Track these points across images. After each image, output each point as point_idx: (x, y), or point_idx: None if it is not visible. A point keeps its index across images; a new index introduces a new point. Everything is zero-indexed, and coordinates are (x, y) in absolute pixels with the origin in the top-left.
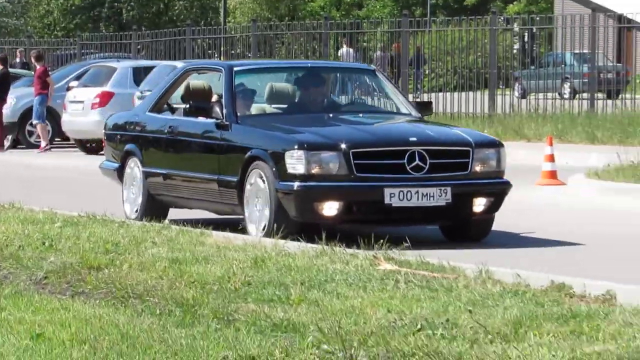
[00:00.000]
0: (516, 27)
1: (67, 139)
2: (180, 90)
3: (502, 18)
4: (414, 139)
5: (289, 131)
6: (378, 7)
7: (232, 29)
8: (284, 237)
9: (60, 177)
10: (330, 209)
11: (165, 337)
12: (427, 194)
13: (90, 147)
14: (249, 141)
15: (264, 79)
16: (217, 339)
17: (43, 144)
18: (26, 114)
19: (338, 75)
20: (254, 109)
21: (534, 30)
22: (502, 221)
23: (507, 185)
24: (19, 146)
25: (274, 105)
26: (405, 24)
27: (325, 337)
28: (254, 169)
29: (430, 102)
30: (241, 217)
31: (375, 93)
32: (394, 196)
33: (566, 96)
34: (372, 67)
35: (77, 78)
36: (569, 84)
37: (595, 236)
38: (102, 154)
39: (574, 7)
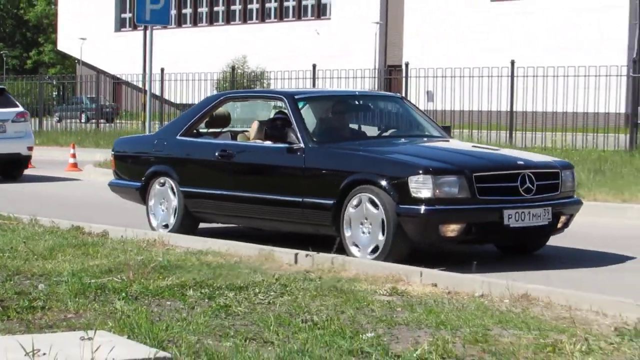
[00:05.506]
0: (55, 82)
1: None
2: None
3: (47, 76)
4: (522, 162)
5: (402, 156)
6: None
7: None
8: (398, 260)
9: None
10: (453, 230)
11: None
12: (536, 214)
13: None
14: (344, 166)
15: (319, 107)
16: None
17: None
18: None
19: (379, 102)
20: (322, 134)
21: (66, 84)
22: None
23: (580, 204)
24: None
25: (328, 130)
26: None
27: None
28: (358, 192)
29: (450, 126)
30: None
31: (407, 117)
32: (511, 217)
33: (83, 121)
34: (400, 94)
35: None
36: (85, 114)
37: None
38: None
39: (87, 71)
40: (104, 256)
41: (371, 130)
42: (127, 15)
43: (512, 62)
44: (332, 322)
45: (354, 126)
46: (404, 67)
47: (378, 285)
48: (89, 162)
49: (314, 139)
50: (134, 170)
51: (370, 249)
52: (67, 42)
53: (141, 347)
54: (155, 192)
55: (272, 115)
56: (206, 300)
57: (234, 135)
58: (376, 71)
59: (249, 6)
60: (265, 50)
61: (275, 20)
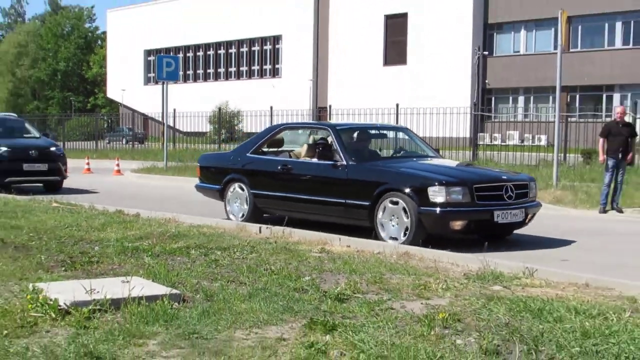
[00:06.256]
0: (105, 118)
1: None
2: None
3: (100, 114)
4: (505, 177)
5: (422, 172)
6: None
7: None
8: (417, 244)
9: None
10: (458, 225)
11: None
12: (515, 214)
13: None
14: (377, 178)
15: (352, 135)
16: None
17: None
18: None
19: (392, 132)
20: (357, 155)
21: (112, 119)
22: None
23: (540, 206)
24: None
25: (361, 152)
26: None
27: (31, 231)
28: (388, 197)
29: (438, 149)
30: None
31: (412, 142)
32: (499, 216)
33: (124, 143)
34: (405, 126)
35: None
36: (125, 138)
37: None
38: None
39: (126, 111)
40: (137, 229)
41: (389, 152)
42: (151, 74)
43: (397, 105)
44: (283, 270)
45: (377, 148)
46: (328, 108)
47: (312, 246)
48: (127, 169)
49: (352, 158)
50: (215, 178)
51: (395, 236)
52: (113, 92)
53: (161, 287)
54: (232, 193)
55: (310, 141)
56: (203, 256)
57: (288, 154)
58: (311, 110)
59: (230, 69)
60: (240, 97)
61: (247, 78)
